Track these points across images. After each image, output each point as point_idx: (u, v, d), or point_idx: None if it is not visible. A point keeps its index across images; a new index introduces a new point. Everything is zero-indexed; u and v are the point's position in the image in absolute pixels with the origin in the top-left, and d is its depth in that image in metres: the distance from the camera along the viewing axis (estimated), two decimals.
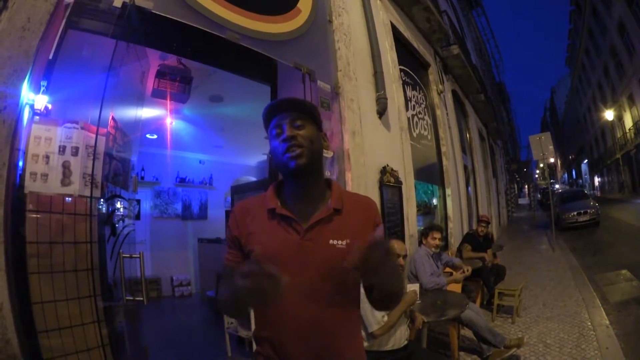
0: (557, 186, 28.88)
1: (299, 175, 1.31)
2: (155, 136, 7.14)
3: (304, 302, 1.23)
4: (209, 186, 9.48)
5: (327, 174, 3.75)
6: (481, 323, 3.92)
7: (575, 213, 14.56)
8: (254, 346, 1.38)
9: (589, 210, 14.44)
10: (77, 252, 2.42)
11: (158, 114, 5.93)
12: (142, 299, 2.96)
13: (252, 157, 9.88)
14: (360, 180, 4.11)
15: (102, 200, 2.68)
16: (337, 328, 1.29)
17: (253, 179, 9.65)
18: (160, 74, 4.46)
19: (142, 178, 7.60)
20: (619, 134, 28.70)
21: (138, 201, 7.31)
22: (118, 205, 3.18)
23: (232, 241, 1.37)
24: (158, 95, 4.60)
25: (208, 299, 6.49)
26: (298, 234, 1.27)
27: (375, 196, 4.55)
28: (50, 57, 2.28)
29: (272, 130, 1.34)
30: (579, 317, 4.97)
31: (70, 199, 2.41)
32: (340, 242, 1.27)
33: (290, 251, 1.25)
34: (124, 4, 2.41)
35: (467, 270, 4.63)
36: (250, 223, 1.33)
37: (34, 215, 2.26)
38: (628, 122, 25.96)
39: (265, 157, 9.08)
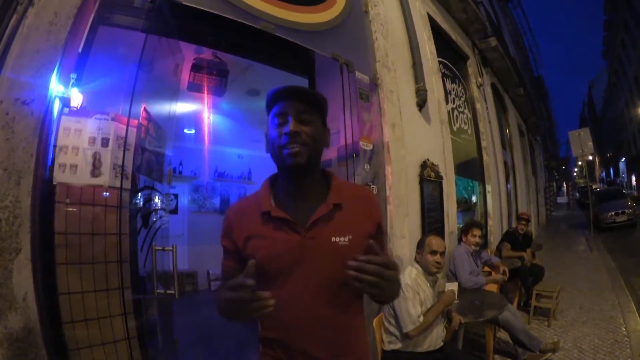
0: None
1: (295, 173, 1.24)
2: (193, 131, 7.19)
3: (310, 302, 1.21)
4: (247, 181, 9.46)
5: (366, 167, 3.63)
6: (518, 325, 3.84)
7: (612, 213, 14.26)
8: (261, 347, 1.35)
9: (626, 211, 14.16)
10: (106, 244, 2.42)
11: (195, 109, 5.95)
12: (173, 292, 2.95)
13: None
14: (400, 174, 4.01)
15: (133, 192, 2.68)
16: (343, 326, 1.27)
17: None
18: (195, 68, 4.43)
19: (180, 172, 7.64)
20: None
21: (175, 195, 7.40)
22: (152, 197, 3.19)
23: (227, 246, 1.33)
24: (194, 89, 4.59)
25: None
26: (298, 234, 1.21)
27: (415, 191, 4.45)
28: (80, 50, 2.28)
29: (274, 118, 1.24)
30: (614, 322, 4.88)
31: (96, 190, 2.41)
32: (342, 238, 1.22)
33: (292, 253, 1.20)
34: None
35: (505, 273, 4.59)
36: (246, 227, 1.27)
37: (63, 206, 2.28)
38: None
39: None
